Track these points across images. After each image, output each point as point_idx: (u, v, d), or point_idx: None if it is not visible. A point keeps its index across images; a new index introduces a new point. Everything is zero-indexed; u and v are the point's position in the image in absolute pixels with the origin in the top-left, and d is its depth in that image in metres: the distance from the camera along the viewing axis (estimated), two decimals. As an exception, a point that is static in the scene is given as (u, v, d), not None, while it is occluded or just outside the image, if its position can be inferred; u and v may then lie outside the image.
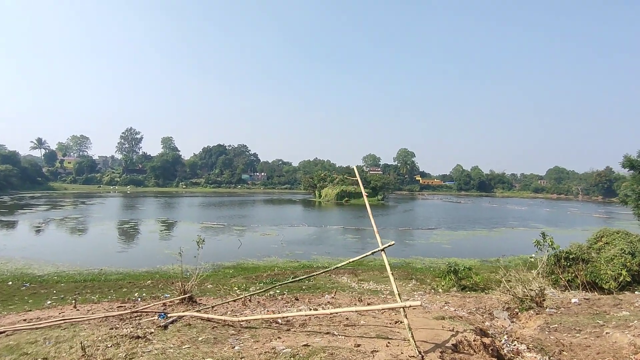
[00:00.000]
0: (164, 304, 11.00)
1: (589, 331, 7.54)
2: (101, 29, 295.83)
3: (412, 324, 6.83)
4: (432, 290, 15.74)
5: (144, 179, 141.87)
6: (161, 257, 24.23)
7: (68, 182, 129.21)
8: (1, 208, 56.05)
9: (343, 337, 5.32)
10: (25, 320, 8.87)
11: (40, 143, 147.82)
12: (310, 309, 7.58)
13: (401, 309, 4.62)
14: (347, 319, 6.08)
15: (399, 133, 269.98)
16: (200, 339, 5.49)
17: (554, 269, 14.82)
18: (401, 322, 6.28)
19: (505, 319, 10.09)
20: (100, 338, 5.66)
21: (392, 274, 5.87)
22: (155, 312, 7.62)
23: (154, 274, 19.71)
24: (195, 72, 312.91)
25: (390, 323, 6.51)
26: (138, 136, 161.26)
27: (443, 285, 16.29)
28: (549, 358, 6.57)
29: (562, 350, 6.91)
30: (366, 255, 5.92)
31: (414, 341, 4.48)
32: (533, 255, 17.91)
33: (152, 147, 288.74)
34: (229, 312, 8.14)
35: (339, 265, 5.78)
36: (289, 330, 5.76)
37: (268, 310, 7.38)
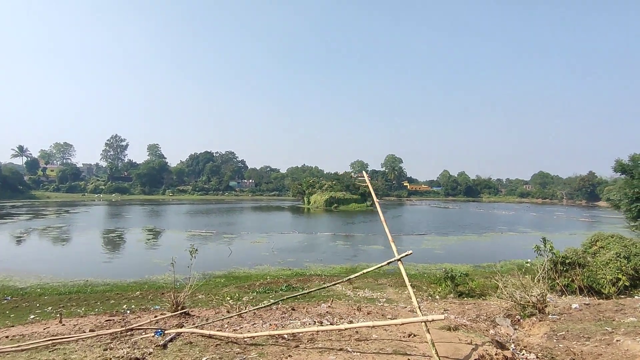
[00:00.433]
0: (156, 317, 10.56)
1: (598, 338, 7.36)
2: (84, 34, 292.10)
3: (421, 334, 6.57)
4: (430, 297, 15.51)
5: (129, 187, 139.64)
6: (149, 266, 23.57)
7: (51, 190, 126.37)
8: (-19, 218, 54.32)
9: (358, 353, 5.01)
10: (7, 337, 8.35)
11: (21, 151, 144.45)
12: (316, 322, 7.21)
13: (423, 324, 4.35)
14: (357, 332, 5.79)
15: (387, 139, 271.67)
16: (204, 359, 5.12)
17: (550, 273, 14.73)
18: (415, 336, 6.01)
19: (508, 327, 9.88)
20: (93, 361, 5.25)
21: (410, 283, 5.59)
22: (152, 328, 7.18)
23: (142, 284, 19.11)
24: (182, 79, 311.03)
25: (404, 336, 6.22)
26: (123, 143, 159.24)
27: (440, 292, 16.08)
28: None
29: (573, 359, 6.71)
30: (382, 265, 5.63)
31: (439, 358, 4.21)
32: (529, 260, 17.92)
33: (138, 154, 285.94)
34: (226, 326, 7.74)
35: (356, 274, 5.46)
36: (297, 346, 5.42)
37: (271, 324, 7.00)
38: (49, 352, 5.83)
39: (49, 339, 6.75)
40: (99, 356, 5.31)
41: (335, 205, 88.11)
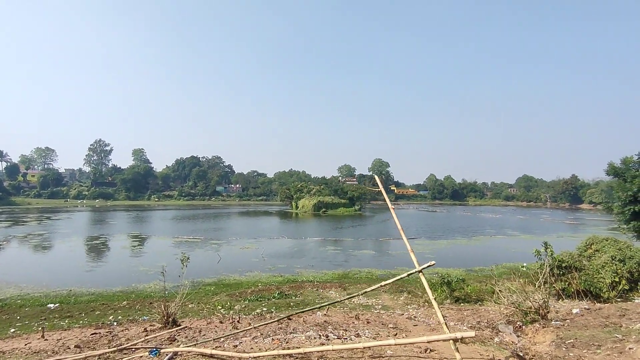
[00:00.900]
0: (145, 330, 10.04)
1: (609, 346, 7.15)
2: (67, 37, 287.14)
3: (439, 349, 6.25)
4: (426, 304, 15.24)
5: (113, 192, 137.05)
6: (136, 275, 22.84)
7: (32, 196, 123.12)
8: (-43, 225, 52.42)
9: (376, 373, 4.67)
10: (-15, 355, 7.77)
11: (1, 156, 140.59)
12: (321, 336, 6.80)
13: (450, 341, 4.04)
14: (369, 348, 5.44)
15: (374, 143, 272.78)
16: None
17: (546, 277, 14.61)
18: (433, 351, 5.69)
19: (511, 334, 9.64)
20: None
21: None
22: (145, 348, 6.69)
23: (129, 293, 18.41)
24: (168, 83, 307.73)
25: (420, 352, 5.89)
26: (108, 148, 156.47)
27: (435, 298, 15.81)
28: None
29: (586, 369, 6.47)
30: (402, 277, 5.29)
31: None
32: (524, 264, 17.82)
33: (122, 159, 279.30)
34: (222, 339, 7.30)
35: (373, 287, 5.05)
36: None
37: (274, 339, 6.57)
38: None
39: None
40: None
41: (324, 209, 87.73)
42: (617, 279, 13.02)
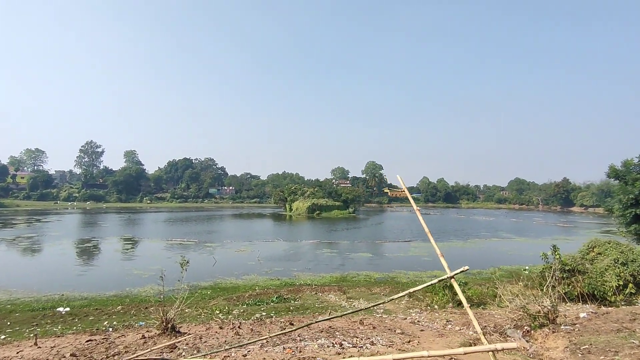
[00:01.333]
0: (144, 337, 9.67)
1: (627, 352, 6.96)
2: (55, 35, 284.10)
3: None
4: (428, 307, 15.01)
5: (105, 194, 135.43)
6: (130, 278, 22.36)
7: (21, 198, 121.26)
8: (-56, 228, 51.28)
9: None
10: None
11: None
12: (334, 344, 6.49)
13: (490, 354, 3.78)
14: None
15: (367, 146, 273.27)
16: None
17: (550, 280, 14.46)
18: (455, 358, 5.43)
19: (520, 339, 9.43)
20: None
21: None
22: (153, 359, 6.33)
23: (123, 298, 17.96)
24: (160, 85, 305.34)
25: None
26: (99, 149, 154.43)
27: (437, 301, 15.60)
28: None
29: (606, 377, 6.26)
30: (432, 284, 5.01)
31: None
32: (527, 267, 17.73)
33: (114, 161, 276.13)
34: (232, 352, 6.97)
35: (399, 295, 4.72)
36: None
37: (286, 348, 6.26)
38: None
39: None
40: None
41: (318, 212, 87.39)
42: (620, 282, 12.91)
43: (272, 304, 16.26)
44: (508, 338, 9.73)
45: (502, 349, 3.93)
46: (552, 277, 10.81)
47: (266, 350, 6.27)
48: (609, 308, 12.20)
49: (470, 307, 12.97)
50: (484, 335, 10.39)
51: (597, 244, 15.42)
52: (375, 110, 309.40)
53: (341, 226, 63.38)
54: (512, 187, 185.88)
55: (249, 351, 6.29)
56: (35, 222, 62.02)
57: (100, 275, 24.30)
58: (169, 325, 9.91)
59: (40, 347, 9.29)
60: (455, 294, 15.69)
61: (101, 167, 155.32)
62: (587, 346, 7.60)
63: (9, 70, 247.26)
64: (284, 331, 6.35)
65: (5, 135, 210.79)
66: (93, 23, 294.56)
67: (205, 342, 8.77)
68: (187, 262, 10.49)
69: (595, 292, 13.38)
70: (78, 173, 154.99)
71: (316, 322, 5.50)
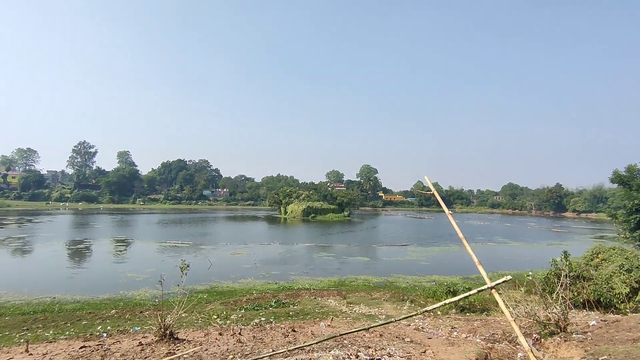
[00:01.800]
0: (141, 343, 9.25)
1: (648, 364, 6.70)
2: (47, 34, 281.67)
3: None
4: (431, 313, 14.73)
5: (97, 195, 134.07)
6: (124, 281, 21.87)
7: (12, 198, 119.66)
8: None
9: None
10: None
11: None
12: (350, 356, 6.14)
13: None
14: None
15: (362, 149, 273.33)
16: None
17: (554, 287, 14.24)
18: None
19: (531, 348, 9.15)
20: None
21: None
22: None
23: (117, 301, 17.49)
24: (154, 85, 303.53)
25: None
26: (92, 150, 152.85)
27: (440, 307, 15.33)
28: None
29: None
30: (471, 294, 4.71)
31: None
32: (530, 272, 17.50)
33: (107, 161, 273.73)
34: (230, 358, 6.62)
35: (435, 305, 4.38)
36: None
37: (298, 360, 5.89)
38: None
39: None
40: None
41: (313, 215, 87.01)
42: (627, 290, 12.74)
43: (270, 308, 15.89)
44: (518, 347, 9.47)
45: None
46: (561, 284, 10.54)
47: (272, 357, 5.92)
48: (617, 316, 12.00)
49: (474, 313, 12.63)
50: (494, 343, 10.03)
51: (601, 249, 15.27)
52: (371, 115, 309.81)
53: (336, 229, 63.08)
54: (506, 192, 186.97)
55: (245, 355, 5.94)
56: (27, 223, 61.03)
57: (92, 277, 23.74)
58: (167, 332, 9.51)
59: (31, 354, 8.85)
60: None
61: (94, 168, 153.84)
62: (605, 357, 7.33)
63: (3, 70, 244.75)
64: (307, 344, 5.98)
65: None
66: (84, 22, 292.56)
67: (207, 350, 8.40)
68: (188, 267, 10.11)
69: (602, 299, 13.18)
70: (70, 173, 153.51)
71: (350, 332, 5.15)
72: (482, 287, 4.10)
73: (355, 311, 15.31)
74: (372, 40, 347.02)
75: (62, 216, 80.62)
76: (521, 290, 15.90)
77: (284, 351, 5.26)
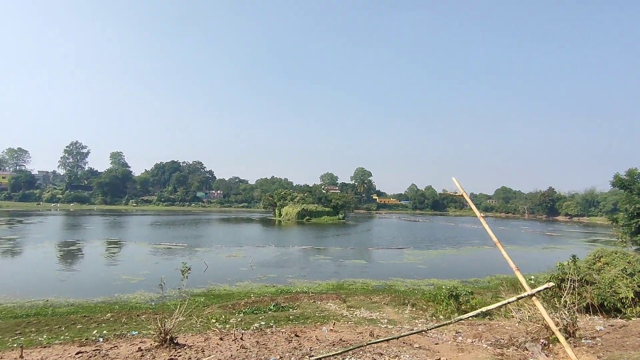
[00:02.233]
0: (140, 349, 8.95)
1: (666, 371, 6.56)
2: (39, 33, 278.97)
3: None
4: (433, 317, 14.54)
5: (89, 196, 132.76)
6: (118, 283, 21.43)
7: (2, 198, 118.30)
8: None
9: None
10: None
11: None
12: None
13: None
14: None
15: (356, 152, 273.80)
16: None
17: (556, 291, 14.13)
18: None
19: (540, 353, 9.00)
20: None
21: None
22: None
23: (112, 304, 17.09)
24: (148, 86, 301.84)
25: None
26: (84, 150, 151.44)
27: (442, 312, 15.16)
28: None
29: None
30: (511, 301, 4.51)
31: None
32: (532, 276, 17.43)
33: (99, 162, 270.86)
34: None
35: (471, 313, 4.17)
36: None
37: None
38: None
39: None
40: None
41: (308, 217, 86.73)
42: (631, 294, 12.64)
43: (270, 312, 15.62)
44: (527, 352, 9.30)
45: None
46: (568, 288, 10.41)
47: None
48: (622, 320, 11.91)
49: (476, 317, 12.33)
50: (503, 349, 9.83)
51: (603, 253, 15.19)
52: (365, 118, 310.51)
53: (331, 232, 62.87)
54: (499, 196, 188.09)
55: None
56: (17, 224, 60.07)
57: (86, 280, 23.25)
58: (168, 337, 9.22)
59: (26, 360, 8.53)
60: (461, 303, 15.27)
61: (86, 169, 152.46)
62: (620, 364, 7.19)
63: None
64: (331, 353, 5.73)
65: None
66: (77, 21, 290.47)
67: (209, 356, 8.14)
68: (189, 270, 9.83)
69: (605, 303, 13.09)
70: (62, 174, 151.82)
71: (394, 338, 4.92)
72: (522, 295, 3.91)
73: (356, 315, 15.08)
74: (368, 41, 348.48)
75: (53, 217, 79.53)
76: (520, 294, 15.82)
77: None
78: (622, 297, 12.64)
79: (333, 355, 5.94)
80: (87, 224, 65.43)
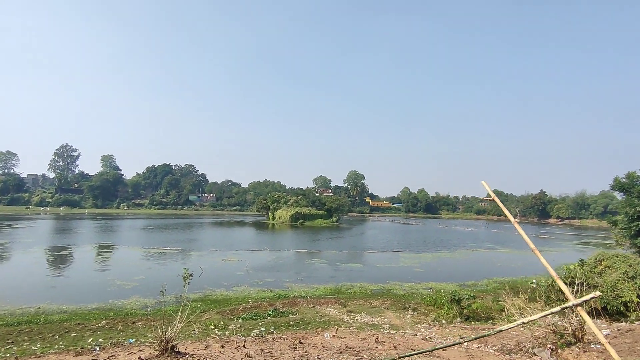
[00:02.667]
0: (140, 358, 8.65)
1: (682, 378, 6.45)
2: (30, 33, 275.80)
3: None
4: (436, 322, 14.38)
5: (80, 200, 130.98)
6: (112, 289, 21.00)
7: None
8: None
9: None
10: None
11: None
12: None
13: None
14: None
15: (349, 155, 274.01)
16: None
17: (558, 294, 14.07)
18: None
19: (549, 358, 8.87)
20: None
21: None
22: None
23: (107, 311, 16.70)
24: (140, 88, 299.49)
25: None
26: (75, 153, 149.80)
27: (444, 316, 15.01)
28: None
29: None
30: (552, 312, 4.31)
31: None
32: (534, 280, 17.34)
33: (90, 165, 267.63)
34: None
35: (508, 326, 3.97)
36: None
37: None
38: None
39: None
40: None
41: (301, 220, 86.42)
42: (635, 298, 12.61)
43: (269, 317, 15.35)
44: (535, 357, 9.17)
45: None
46: (575, 291, 10.31)
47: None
48: (627, 324, 11.85)
49: (479, 321, 12.21)
50: (511, 354, 9.68)
51: (605, 257, 15.18)
52: (359, 121, 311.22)
53: (325, 235, 62.63)
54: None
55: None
56: (6, 228, 58.96)
57: (79, 286, 22.74)
58: (169, 345, 8.93)
59: (21, 372, 8.20)
60: (463, 308, 15.14)
61: (76, 172, 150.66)
62: (635, 370, 7.07)
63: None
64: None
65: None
66: (67, 23, 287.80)
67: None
68: (191, 276, 9.52)
69: (608, 307, 13.05)
70: (52, 177, 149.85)
71: (428, 350, 4.70)
72: (566, 305, 3.74)
73: (357, 320, 14.88)
74: (359, 44, 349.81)
75: (43, 221, 78.32)
76: (520, 297, 15.70)
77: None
78: (627, 301, 12.58)
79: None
80: (78, 228, 64.46)
